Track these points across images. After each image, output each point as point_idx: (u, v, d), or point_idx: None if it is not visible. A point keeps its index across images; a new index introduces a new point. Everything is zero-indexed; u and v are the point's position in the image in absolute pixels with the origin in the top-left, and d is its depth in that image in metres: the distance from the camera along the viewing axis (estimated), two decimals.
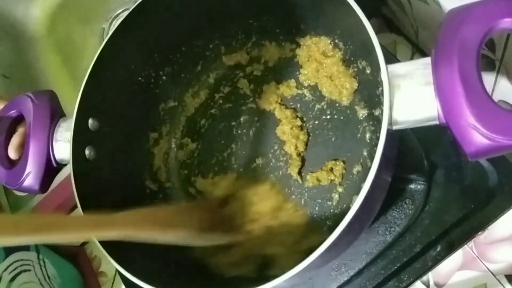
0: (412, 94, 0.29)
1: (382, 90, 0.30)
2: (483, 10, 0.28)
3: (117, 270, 0.34)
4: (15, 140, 0.45)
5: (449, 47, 0.28)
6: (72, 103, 0.42)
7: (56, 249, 0.68)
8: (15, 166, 0.44)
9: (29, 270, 0.59)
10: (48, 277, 0.61)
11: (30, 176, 0.43)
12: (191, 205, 0.48)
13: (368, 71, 0.39)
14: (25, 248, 0.60)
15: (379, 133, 0.28)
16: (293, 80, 0.49)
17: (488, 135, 0.26)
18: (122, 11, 0.78)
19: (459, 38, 0.27)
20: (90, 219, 0.34)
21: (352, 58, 0.42)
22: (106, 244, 0.36)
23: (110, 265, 0.35)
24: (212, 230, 0.40)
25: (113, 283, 0.69)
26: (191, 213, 0.40)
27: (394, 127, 0.30)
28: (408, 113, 0.29)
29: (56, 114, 0.44)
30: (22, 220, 0.30)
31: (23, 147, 0.44)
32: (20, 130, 0.45)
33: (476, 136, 0.26)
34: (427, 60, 0.29)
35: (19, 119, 0.46)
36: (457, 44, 0.27)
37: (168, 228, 0.36)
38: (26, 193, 0.63)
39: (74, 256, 0.72)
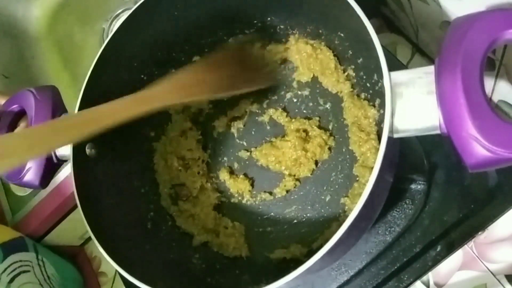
0: (414, 103, 0.29)
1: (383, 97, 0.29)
2: (488, 21, 0.27)
3: (117, 270, 0.34)
4: None
5: (453, 56, 0.27)
6: (72, 103, 0.42)
7: (56, 249, 0.67)
8: None
9: (29, 271, 0.59)
10: (48, 277, 0.61)
11: (31, 171, 0.42)
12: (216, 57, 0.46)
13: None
14: (24, 249, 0.60)
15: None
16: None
17: (489, 147, 0.26)
18: (122, 11, 0.78)
19: (463, 48, 0.27)
20: (127, 101, 0.36)
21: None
22: (106, 244, 0.36)
23: (110, 265, 0.35)
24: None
25: (113, 283, 0.69)
26: (219, 65, 0.41)
27: (395, 135, 0.30)
28: (409, 122, 0.29)
29: (58, 110, 0.44)
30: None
31: None
32: (22, 125, 0.45)
33: (477, 147, 0.26)
34: (430, 68, 0.29)
35: (21, 114, 0.46)
36: (461, 54, 0.27)
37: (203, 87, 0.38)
38: (26, 192, 0.63)
39: (74, 256, 0.72)
